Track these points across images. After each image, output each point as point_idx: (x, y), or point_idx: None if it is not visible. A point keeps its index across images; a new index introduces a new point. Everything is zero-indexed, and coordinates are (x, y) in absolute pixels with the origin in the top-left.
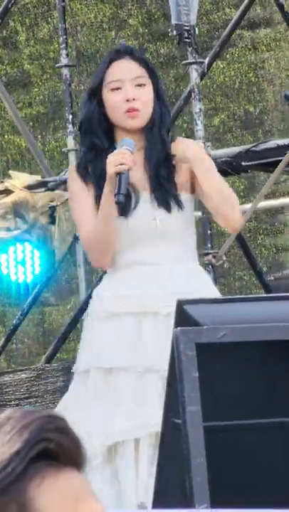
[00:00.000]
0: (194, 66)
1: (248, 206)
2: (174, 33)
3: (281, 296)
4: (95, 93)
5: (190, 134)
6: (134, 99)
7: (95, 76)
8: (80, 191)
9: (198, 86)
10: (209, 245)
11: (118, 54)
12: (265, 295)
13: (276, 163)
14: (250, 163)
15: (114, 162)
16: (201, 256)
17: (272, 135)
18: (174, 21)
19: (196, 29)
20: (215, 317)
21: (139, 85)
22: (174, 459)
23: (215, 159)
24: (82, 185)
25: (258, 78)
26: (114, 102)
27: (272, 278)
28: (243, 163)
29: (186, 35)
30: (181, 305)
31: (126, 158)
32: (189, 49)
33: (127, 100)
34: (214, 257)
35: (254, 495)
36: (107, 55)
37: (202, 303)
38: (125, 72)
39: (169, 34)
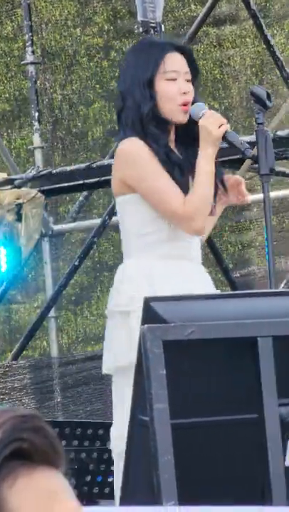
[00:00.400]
0: None
1: None
2: (140, 30)
3: (248, 294)
4: (150, 81)
5: None
6: (188, 93)
7: (147, 64)
8: (154, 159)
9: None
10: None
11: (172, 46)
12: (231, 292)
13: (242, 161)
14: (217, 160)
15: (216, 124)
16: None
17: (238, 132)
18: (139, 18)
19: (162, 26)
20: (182, 314)
21: (188, 81)
22: (141, 456)
23: None
24: (152, 154)
25: (223, 75)
26: (170, 93)
27: (238, 275)
28: None
29: (152, 32)
30: (148, 302)
31: (221, 118)
32: None
33: (184, 93)
34: None
35: (221, 491)
36: (159, 45)
37: (169, 300)
38: (180, 65)
39: (135, 31)
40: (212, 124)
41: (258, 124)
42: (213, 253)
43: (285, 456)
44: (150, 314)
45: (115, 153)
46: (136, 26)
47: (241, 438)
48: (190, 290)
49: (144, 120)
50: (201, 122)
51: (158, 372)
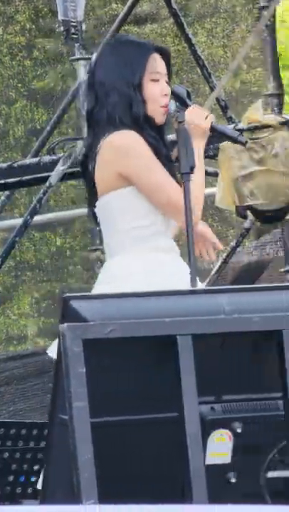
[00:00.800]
0: (82, 62)
1: None
2: (61, 29)
3: (167, 292)
4: (140, 83)
5: (77, 131)
6: (168, 95)
7: (133, 64)
8: (151, 152)
9: (86, 82)
10: (98, 241)
11: (153, 47)
12: (151, 291)
13: None
14: None
15: (202, 116)
16: (90, 252)
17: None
18: (60, 17)
19: (84, 25)
20: (102, 313)
21: (167, 82)
22: (61, 455)
23: None
24: (148, 147)
25: None
26: (154, 94)
27: None
28: None
29: (73, 31)
30: (67, 300)
31: (205, 110)
32: (76, 45)
33: (165, 95)
34: (103, 253)
35: (142, 490)
36: (144, 45)
37: (89, 298)
38: (161, 67)
39: (56, 30)
40: (198, 118)
41: (179, 122)
42: None
43: (205, 454)
44: (70, 312)
45: (106, 146)
46: (57, 25)
47: (162, 436)
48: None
49: (140, 121)
50: (186, 118)
51: (77, 371)
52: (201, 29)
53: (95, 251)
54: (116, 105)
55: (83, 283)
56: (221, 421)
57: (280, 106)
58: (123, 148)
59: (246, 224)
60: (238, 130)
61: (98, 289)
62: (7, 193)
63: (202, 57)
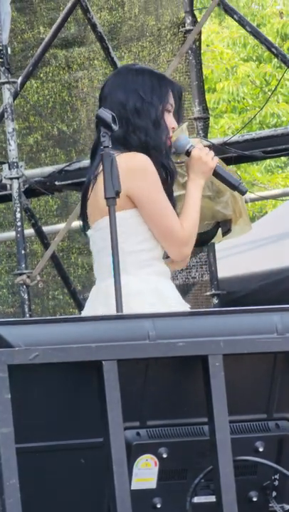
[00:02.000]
0: (7, 86)
1: (61, 226)
2: None
3: (92, 317)
4: (162, 110)
5: (4, 154)
6: (174, 128)
7: (162, 93)
8: (158, 178)
9: (12, 105)
10: (23, 265)
11: (171, 82)
12: (76, 316)
13: None
14: (63, 182)
15: (210, 155)
16: (15, 276)
17: (86, 154)
18: None
19: (9, 48)
20: (27, 338)
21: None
22: None
23: (28, 179)
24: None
25: (71, 97)
26: (168, 125)
27: (86, 297)
28: (56, 183)
29: None
30: None
31: (211, 151)
32: (2, 68)
33: (172, 128)
34: (28, 277)
35: None
36: (165, 78)
37: (14, 324)
38: (173, 101)
39: None
40: (207, 155)
41: (104, 147)
42: (61, 275)
43: (131, 479)
44: None
45: (119, 165)
46: None
47: (88, 462)
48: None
49: (159, 146)
50: (195, 153)
51: (3, 397)
52: (128, 52)
53: (20, 275)
54: (145, 128)
55: (8, 307)
56: (147, 446)
57: (206, 129)
58: (134, 169)
59: None
60: None
61: (132, 303)
62: None
63: None
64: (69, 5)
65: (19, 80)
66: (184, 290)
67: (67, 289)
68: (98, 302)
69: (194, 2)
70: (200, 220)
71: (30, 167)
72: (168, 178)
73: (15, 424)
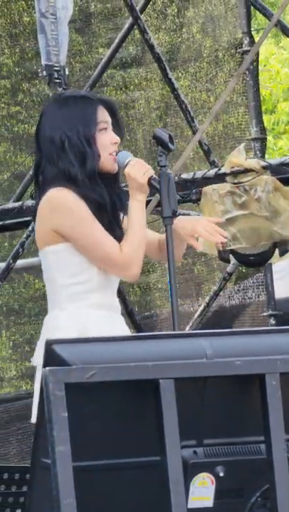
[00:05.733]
0: None
1: None
2: (44, 73)
3: (149, 336)
4: (93, 137)
5: None
6: (117, 143)
7: (85, 118)
8: (87, 208)
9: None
10: None
11: (98, 100)
12: (133, 334)
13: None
14: None
15: (141, 170)
16: None
17: None
18: (43, 62)
19: (67, 69)
20: (84, 357)
21: (113, 131)
22: (43, 499)
23: None
24: (84, 204)
25: (128, 118)
26: (104, 143)
27: (141, 317)
28: None
29: (56, 75)
30: (49, 344)
31: (146, 165)
32: (59, 89)
33: (114, 143)
34: None
35: None
36: (88, 98)
37: (71, 342)
38: (107, 116)
39: (39, 74)
40: (137, 172)
41: (161, 166)
42: (119, 296)
43: (187, 498)
44: (52, 356)
45: (43, 201)
46: (40, 69)
47: (144, 481)
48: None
49: (94, 175)
50: (126, 170)
51: (60, 415)
52: (184, 73)
53: None
54: (70, 163)
55: None
56: (204, 465)
57: (263, 150)
58: (57, 205)
59: (229, 268)
60: (221, 174)
61: (38, 344)
62: None
63: (185, 101)
64: (127, 25)
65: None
66: (241, 310)
67: (125, 310)
68: (45, 331)
69: (251, 23)
70: (257, 241)
71: None
72: (99, 206)
73: (71, 443)
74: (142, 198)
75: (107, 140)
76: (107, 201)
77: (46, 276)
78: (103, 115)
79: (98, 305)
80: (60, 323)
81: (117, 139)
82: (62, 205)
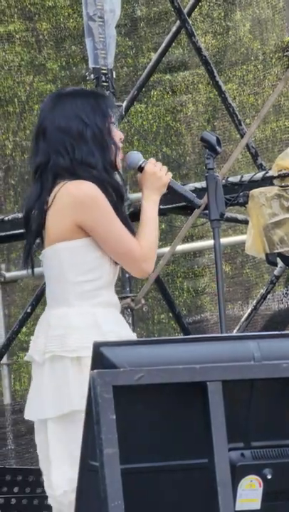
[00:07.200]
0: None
1: (166, 249)
2: (92, 76)
3: (196, 338)
4: (108, 126)
5: None
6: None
7: (103, 112)
8: (108, 202)
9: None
10: (128, 289)
11: (102, 94)
12: (180, 337)
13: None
14: (167, 206)
15: (163, 170)
16: (120, 300)
17: (190, 178)
18: (91, 65)
19: (114, 72)
20: (132, 359)
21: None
22: (91, 501)
23: (133, 203)
24: (105, 198)
25: (175, 122)
26: (116, 138)
27: (191, 321)
28: (160, 206)
29: (103, 78)
30: (97, 347)
31: (164, 166)
32: (107, 92)
33: (121, 139)
34: (133, 300)
35: None
36: (99, 93)
37: (119, 345)
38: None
39: (87, 78)
40: (161, 171)
41: (208, 169)
42: (166, 299)
43: (235, 501)
44: (99, 359)
45: (63, 195)
46: (87, 73)
47: (192, 483)
48: (129, 337)
49: (108, 167)
50: (148, 168)
51: (108, 417)
52: (232, 76)
53: (125, 298)
54: (90, 151)
55: None
56: (251, 467)
57: None
58: (83, 199)
59: (277, 271)
60: (268, 177)
61: (70, 336)
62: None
63: (233, 104)
64: (174, 29)
65: (124, 104)
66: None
67: (172, 313)
68: (41, 329)
69: None
70: None
71: (134, 191)
72: (118, 198)
73: (119, 445)
74: (157, 198)
75: (117, 135)
76: (124, 193)
77: (52, 273)
78: (111, 110)
79: (106, 303)
80: (71, 322)
81: (122, 135)
82: (88, 199)
